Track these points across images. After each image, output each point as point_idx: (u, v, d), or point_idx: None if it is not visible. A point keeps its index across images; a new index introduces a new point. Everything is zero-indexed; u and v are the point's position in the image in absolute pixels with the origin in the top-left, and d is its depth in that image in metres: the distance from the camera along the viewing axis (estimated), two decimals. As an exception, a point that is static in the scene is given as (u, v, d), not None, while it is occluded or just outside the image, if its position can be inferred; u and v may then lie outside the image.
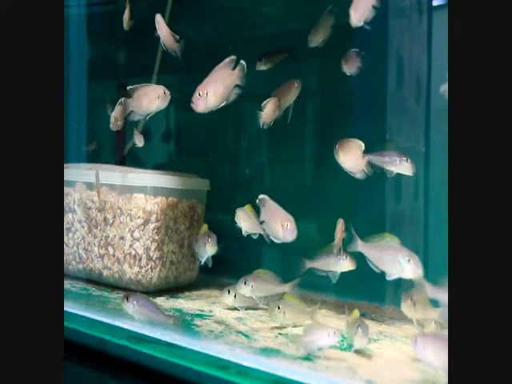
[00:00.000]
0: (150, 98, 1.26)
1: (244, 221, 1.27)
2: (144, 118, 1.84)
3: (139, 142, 1.61)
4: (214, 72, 1.16)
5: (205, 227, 1.33)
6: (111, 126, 1.51)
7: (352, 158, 1.18)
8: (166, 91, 1.25)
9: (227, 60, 1.16)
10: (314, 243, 1.69)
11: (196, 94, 1.13)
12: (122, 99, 1.52)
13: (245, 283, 1.16)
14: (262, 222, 1.14)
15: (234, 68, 1.16)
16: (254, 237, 1.28)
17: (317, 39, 1.40)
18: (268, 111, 1.32)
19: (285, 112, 1.33)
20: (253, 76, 1.79)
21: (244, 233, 1.28)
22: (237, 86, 1.17)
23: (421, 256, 1.47)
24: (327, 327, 0.97)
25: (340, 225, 1.29)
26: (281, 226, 1.05)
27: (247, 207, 1.27)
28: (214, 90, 1.14)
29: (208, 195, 1.64)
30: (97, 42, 2.08)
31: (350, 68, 1.34)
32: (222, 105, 1.17)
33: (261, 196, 1.14)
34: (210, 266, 1.29)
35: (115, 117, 1.49)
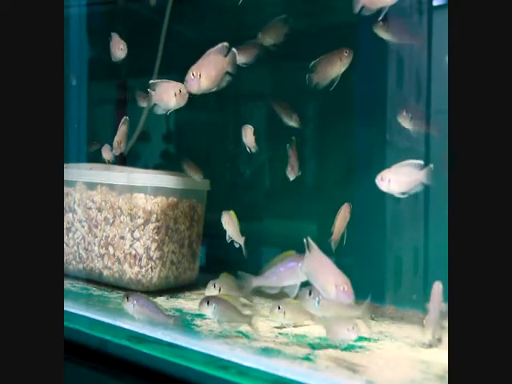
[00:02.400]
0: (169, 95, 1.26)
1: (228, 225, 1.27)
2: (143, 121, 1.85)
3: (198, 177, 1.55)
4: (206, 55, 1.17)
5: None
6: (114, 150, 1.52)
7: None
8: (183, 89, 1.23)
9: (219, 46, 1.17)
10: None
11: (190, 74, 1.14)
12: (125, 118, 1.53)
13: (207, 303, 1.08)
14: (303, 269, 0.97)
15: (226, 55, 1.17)
16: (236, 245, 1.27)
17: (267, 40, 1.43)
18: (249, 137, 1.40)
19: (331, 82, 1.25)
20: (253, 76, 1.79)
21: (228, 238, 1.27)
22: (228, 73, 1.18)
23: (421, 255, 1.48)
24: (347, 322, 0.96)
25: (343, 211, 1.26)
26: (334, 287, 0.90)
27: (232, 213, 1.27)
28: (207, 73, 1.15)
29: (208, 195, 1.64)
30: (97, 42, 2.08)
31: (247, 58, 1.39)
32: (213, 90, 1.18)
33: (308, 240, 0.97)
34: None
35: (117, 141, 1.50)
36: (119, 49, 1.48)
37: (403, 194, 1.08)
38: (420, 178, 1.07)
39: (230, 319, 1.09)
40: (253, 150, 1.41)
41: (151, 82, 1.29)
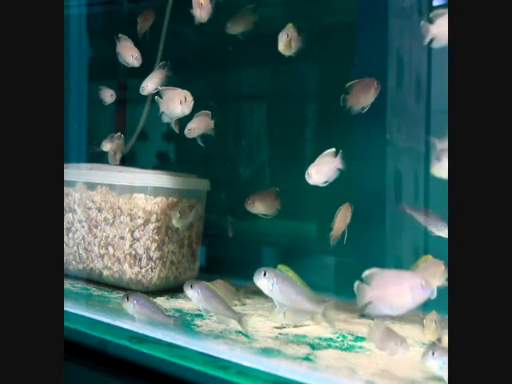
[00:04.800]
0: (174, 103, 1.26)
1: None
2: (143, 120, 1.85)
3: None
4: None
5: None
6: (110, 159, 1.52)
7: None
8: (188, 97, 1.24)
9: None
10: (312, 243, 1.69)
11: None
12: (119, 134, 1.53)
13: (191, 287, 1.07)
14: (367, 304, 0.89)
15: None
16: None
17: (236, 29, 1.45)
18: (197, 125, 1.37)
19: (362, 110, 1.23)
20: (253, 76, 1.79)
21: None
22: None
23: (421, 255, 1.47)
24: (396, 335, 0.93)
25: (344, 209, 1.26)
26: (409, 291, 0.84)
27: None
28: None
29: (208, 195, 1.64)
30: (97, 42, 2.08)
31: (156, 83, 1.42)
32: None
33: (367, 272, 0.90)
34: None
35: (113, 150, 1.50)
36: (133, 57, 1.44)
37: (325, 182, 1.18)
38: (336, 165, 1.17)
39: (216, 310, 1.07)
40: (210, 133, 1.40)
41: (160, 88, 1.29)
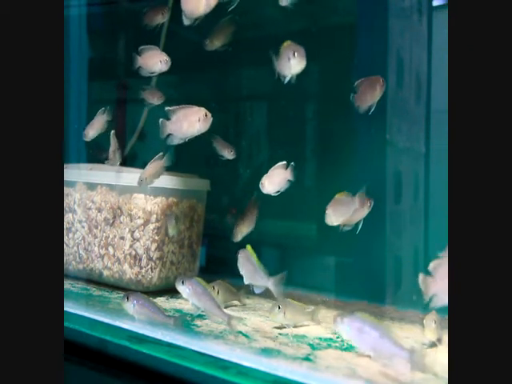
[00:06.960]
0: (191, 121, 1.20)
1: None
2: (144, 118, 1.85)
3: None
4: None
5: None
6: (110, 161, 1.55)
7: None
8: (208, 113, 1.20)
9: None
10: (312, 243, 1.69)
11: None
12: (113, 132, 1.55)
13: (182, 283, 1.09)
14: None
15: None
16: None
17: (216, 44, 1.45)
18: (149, 174, 1.37)
19: (369, 108, 1.24)
20: (253, 76, 1.79)
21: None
22: None
23: (421, 255, 1.48)
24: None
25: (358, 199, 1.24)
26: None
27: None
28: None
29: (208, 195, 1.64)
30: (97, 42, 2.08)
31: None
32: None
33: (431, 265, 0.89)
34: None
35: (113, 151, 1.53)
36: (162, 62, 1.38)
37: (277, 192, 1.27)
38: (287, 176, 1.27)
39: (206, 307, 1.08)
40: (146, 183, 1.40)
41: (167, 108, 1.23)
